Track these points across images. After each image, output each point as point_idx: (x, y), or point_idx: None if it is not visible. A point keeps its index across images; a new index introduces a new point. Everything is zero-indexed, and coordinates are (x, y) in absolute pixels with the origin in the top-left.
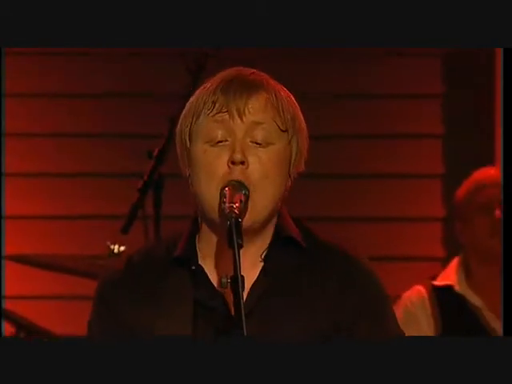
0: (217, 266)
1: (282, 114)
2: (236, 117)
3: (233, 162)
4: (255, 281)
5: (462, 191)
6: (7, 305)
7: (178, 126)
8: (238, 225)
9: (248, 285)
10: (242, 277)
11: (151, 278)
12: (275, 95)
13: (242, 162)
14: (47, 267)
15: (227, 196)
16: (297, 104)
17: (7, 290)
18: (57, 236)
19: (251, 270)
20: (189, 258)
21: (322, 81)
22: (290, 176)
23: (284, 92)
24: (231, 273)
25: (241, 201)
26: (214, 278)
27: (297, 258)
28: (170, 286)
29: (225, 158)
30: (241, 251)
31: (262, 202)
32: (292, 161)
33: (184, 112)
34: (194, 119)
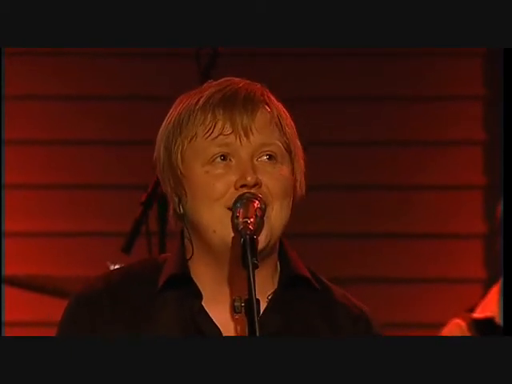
0: (216, 294)
1: (284, 133)
2: (243, 136)
3: (243, 186)
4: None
5: None
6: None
7: (164, 147)
8: (253, 242)
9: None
10: (258, 300)
11: (138, 299)
12: (278, 112)
13: (255, 185)
14: (40, 290)
15: (240, 210)
16: (292, 123)
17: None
18: (52, 255)
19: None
20: (183, 278)
21: (344, 82)
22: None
23: (282, 108)
24: (232, 298)
25: (256, 215)
26: (211, 306)
27: (308, 302)
28: (163, 308)
29: (229, 178)
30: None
31: (278, 219)
32: (297, 184)
33: (170, 129)
34: (187, 141)
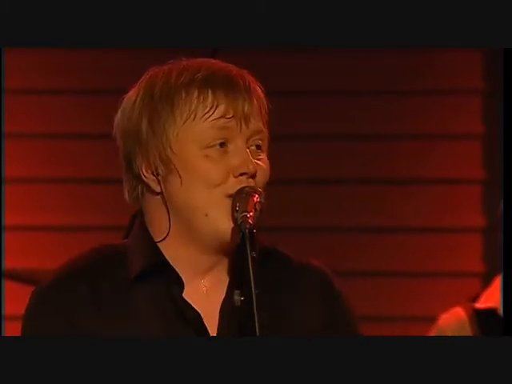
0: (194, 279)
1: (265, 122)
2: (243, 123)
3: (243, 174)
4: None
5: None
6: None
7: (148, 122)
8: (253, 236)
9: (218, 302)
10: (258, 294)
11: (112, 291)
12: (263, 99)
13: (254, 174)
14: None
15: (240, 204)
16: None
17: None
18: (52, 249)
19: (218, 284)
20: (160, 265)
21: (343, 77)
22: None
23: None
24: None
25: (255, 209)
26: (189, 292)
27: (273, 273)
28: (141, 300)
29: (228, 164)
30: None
31: None
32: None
33: (157, 102)
34: (183, 120)
